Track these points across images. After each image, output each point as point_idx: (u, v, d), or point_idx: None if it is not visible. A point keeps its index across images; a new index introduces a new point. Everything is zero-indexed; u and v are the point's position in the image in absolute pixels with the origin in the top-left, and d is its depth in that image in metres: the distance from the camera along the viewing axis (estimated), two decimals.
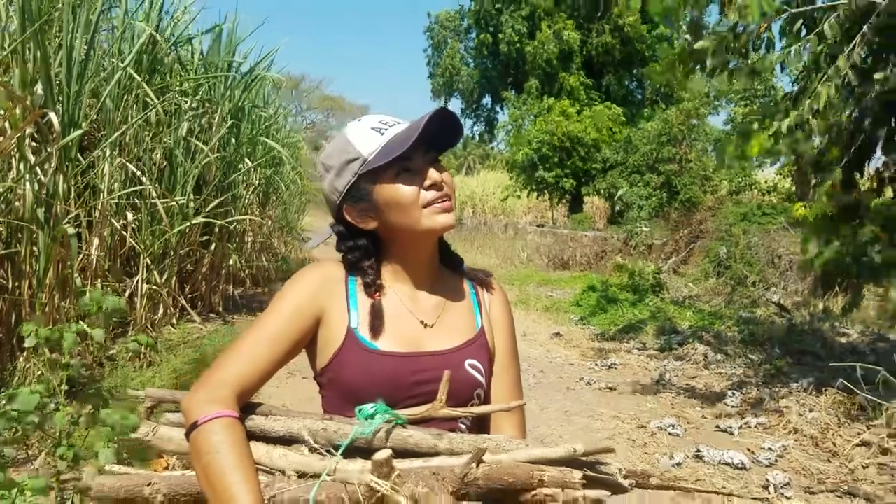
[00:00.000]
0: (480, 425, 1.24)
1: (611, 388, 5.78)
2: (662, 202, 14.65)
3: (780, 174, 11.89)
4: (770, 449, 4.15)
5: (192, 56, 8.01)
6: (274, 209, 11.37)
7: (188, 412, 1.01)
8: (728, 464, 3.95)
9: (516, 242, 17.39)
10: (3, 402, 2.40)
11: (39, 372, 3.05)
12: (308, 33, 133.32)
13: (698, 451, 4.12)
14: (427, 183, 1.14)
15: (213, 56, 8.17)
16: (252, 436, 1.02)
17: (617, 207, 16.74)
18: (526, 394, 5.57)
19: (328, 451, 0.97)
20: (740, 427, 4.64)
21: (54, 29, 4.83)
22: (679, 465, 3.94)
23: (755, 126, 4.20)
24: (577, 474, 0.86)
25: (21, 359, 3.56)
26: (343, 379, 1.16)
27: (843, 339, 6.65)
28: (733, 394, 5.33)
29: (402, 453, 0.95)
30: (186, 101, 6.97)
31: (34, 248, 4.11)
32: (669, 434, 4.59)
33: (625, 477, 0.92)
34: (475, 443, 0.96)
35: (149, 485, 0.96)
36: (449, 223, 1.17)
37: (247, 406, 1.07)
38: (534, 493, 0.87)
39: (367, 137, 1.17)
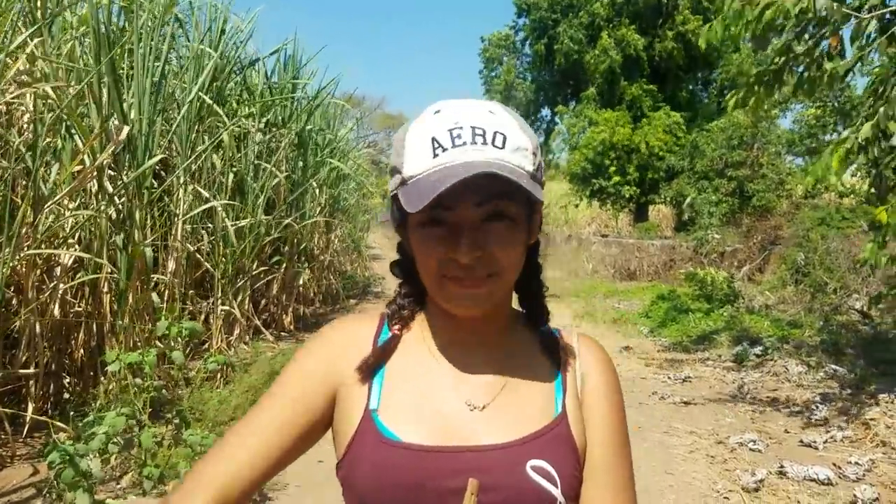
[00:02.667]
0: None
1: (686, 402, 5.60)
2: (734, 208, 14.18)
3: (856, 175, 11.35)
4: (857, 463, 3.97)
5: (257, 80, 8.25)
6: (340, 228, 11.57)
7: None
8: (813, 479, 3.78)
9: (580, 254, 17.12)
10: (92, 425, 2.50)
11: (119, 394, 3.17)
12: (364, 51, 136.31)
13: (782, 466, 3.95)
14: (450, 255, 0.81)
15: (278, 79, 8.44)
16: None
17: (686, 215, 16.29)
18: None
19: None
20: (825, 441, 4.43)
21: (124, 61, 5.07)
22: (762, 481, 3.77)
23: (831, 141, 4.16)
24: None
25: (103, 381, 3.71)
26: (355, 480, 0.84)
27: None
28: (817, 406, 5.09)
29: None
30: (254, 125, 7.17)
31: (114, 274, 4.29)
32: (750, 450, 4.41)
33: None
34: None
35: None
36: (461, 311, 0.85)
37: None
38: None
39: (418, 150, 0.81)
